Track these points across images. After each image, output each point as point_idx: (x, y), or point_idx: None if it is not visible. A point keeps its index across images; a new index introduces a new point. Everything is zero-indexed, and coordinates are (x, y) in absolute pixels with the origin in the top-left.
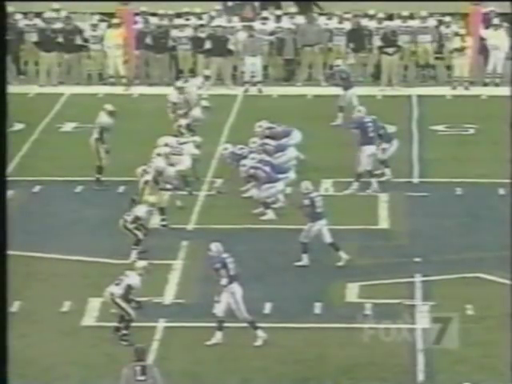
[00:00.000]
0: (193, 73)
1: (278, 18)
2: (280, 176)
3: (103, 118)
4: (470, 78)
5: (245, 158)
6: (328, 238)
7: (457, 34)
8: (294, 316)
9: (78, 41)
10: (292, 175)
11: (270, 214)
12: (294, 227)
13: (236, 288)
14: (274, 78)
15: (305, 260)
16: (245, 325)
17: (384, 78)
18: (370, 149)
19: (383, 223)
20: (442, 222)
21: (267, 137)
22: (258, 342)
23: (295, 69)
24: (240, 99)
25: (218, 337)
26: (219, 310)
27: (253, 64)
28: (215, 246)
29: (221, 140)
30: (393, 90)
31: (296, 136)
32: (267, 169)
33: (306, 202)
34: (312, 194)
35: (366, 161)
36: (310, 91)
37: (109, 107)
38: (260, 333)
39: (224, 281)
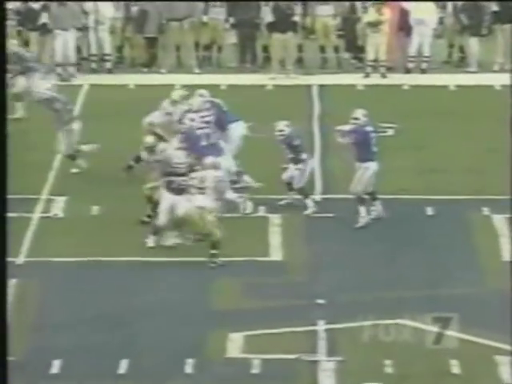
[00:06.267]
0: None
1: None
2: None
3: None
4: (388, 63)
5: None
6: None
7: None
8: (158, 377)
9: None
10: None
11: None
12: None
13: None
14: (131, 62)
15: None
16: None
17: (275, 64)
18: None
19: (275, 254)
20: (351, 250)
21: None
22: None
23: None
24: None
25: None
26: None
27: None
28: None
29: None
30: (287, 78)
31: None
32: None
33: None
34: None
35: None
36: (179, 79)
37: None
38: None
39: None
